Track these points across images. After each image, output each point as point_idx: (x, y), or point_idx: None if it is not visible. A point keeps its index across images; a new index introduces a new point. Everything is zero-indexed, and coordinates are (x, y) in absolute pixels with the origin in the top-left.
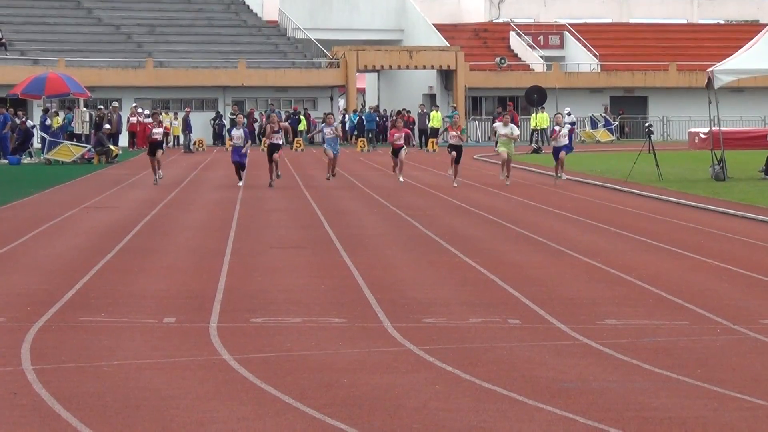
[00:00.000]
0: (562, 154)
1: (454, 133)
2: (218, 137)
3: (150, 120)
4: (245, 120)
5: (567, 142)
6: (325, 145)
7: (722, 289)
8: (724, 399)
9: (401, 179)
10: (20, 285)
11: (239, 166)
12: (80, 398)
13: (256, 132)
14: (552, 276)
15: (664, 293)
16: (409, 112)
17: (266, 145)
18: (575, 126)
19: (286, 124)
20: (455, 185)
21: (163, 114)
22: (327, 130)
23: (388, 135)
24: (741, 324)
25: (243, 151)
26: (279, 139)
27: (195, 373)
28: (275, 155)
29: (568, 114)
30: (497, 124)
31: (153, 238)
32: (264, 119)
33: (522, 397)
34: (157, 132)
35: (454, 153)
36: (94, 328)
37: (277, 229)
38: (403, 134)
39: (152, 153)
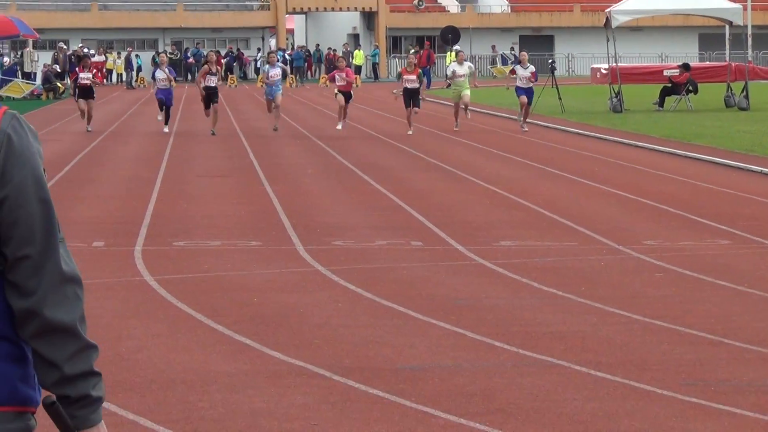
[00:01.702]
0: (523, 98)
1: (412, 77)
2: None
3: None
4: (169, 59)
5: (528, 84)
6: (266, 93)
7: (611, 213)
8: (604, 314)
9: (339, 126)
10: None
11: (165, 104)
12: None
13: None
14: (455, 202)
15: (557, 217)
16: (335, 50)
17: (201, 86)
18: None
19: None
20: (410, 132)
21: (108, 53)
22: (273, 72)
23: (327, 75)
24: (625, 245)
25: (171, 90)
26: (215, 82)
27: (117, 293)
28: (214, 104)
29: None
30: (453, 65)
31: (91, 168)
32: (193, 60)
33: (417, 313)
34: (85, 77)
35: (412, 104)
36: None
37: (205, 159)
38: (345, 74)
39: (83, 97)
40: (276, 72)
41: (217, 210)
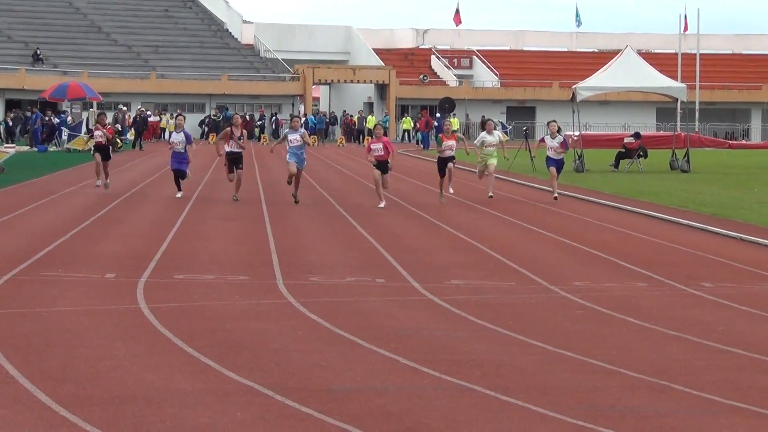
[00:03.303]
0: (552, 170)
1: (452, 142)
2: (204, 135)
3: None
4: (213, 120)
5: (558, 155)
6: (288, 156)
7: (551, 257)
8: (523, 345)
9: (381, 204)
10: (5, 245)
11: (179, 174)
12: (12, 338)
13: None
14: (424, 245)
15: (505, 259)
16: (352, 115)
17: (220, 151)
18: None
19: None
20: (443, 200)
21: (162, 115)
22: (292, 136)
23: (366, 146)
24: (557, 285)
25: (187, 155)
26: (239, 147)
27: (112, 318)
28: (238, 171)
29: (438, 118)
30: (483, 134)
31: (124, 210)
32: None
33: (363, 341)
34: (99, 135)
35: (450, 165)
36: (48, 281)
37: (224, 204)
38: (382, 143)
39: (101, 155)
40: (296, 137)
41: (220, 248)
